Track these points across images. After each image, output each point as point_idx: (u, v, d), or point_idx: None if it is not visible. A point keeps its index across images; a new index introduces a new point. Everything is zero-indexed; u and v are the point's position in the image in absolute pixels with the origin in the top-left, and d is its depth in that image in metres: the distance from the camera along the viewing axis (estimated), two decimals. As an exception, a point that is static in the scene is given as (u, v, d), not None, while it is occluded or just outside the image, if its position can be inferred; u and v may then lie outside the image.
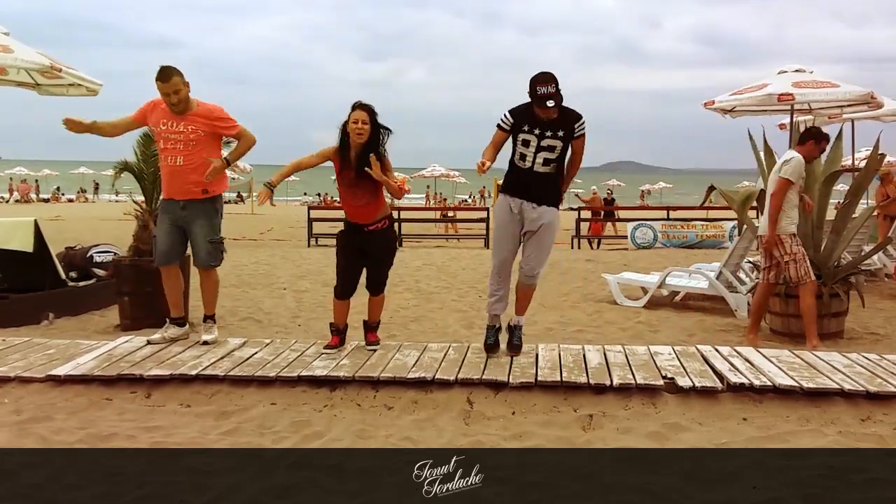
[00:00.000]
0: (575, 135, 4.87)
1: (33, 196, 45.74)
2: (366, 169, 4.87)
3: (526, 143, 4.85)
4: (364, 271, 5.29)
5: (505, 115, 4.90)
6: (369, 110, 4.92)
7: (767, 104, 11.08)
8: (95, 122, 5.35)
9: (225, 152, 5.61)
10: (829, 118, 12.93)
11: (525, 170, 4.90)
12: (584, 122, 4.90)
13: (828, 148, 6.68)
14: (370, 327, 5.42)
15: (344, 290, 5.26)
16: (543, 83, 4.70)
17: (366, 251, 5.17)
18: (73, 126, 5.30)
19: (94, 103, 9.61)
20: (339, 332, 5.32)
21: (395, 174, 5.22)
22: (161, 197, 5.60)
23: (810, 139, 6.30)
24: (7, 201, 42.90)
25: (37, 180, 50.74)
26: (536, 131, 4.81)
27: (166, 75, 5.17)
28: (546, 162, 4.86)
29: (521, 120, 4.85)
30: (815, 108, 12.18)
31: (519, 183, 4.96)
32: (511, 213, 4.98)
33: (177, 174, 5.35)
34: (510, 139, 4.94)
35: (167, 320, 5.61)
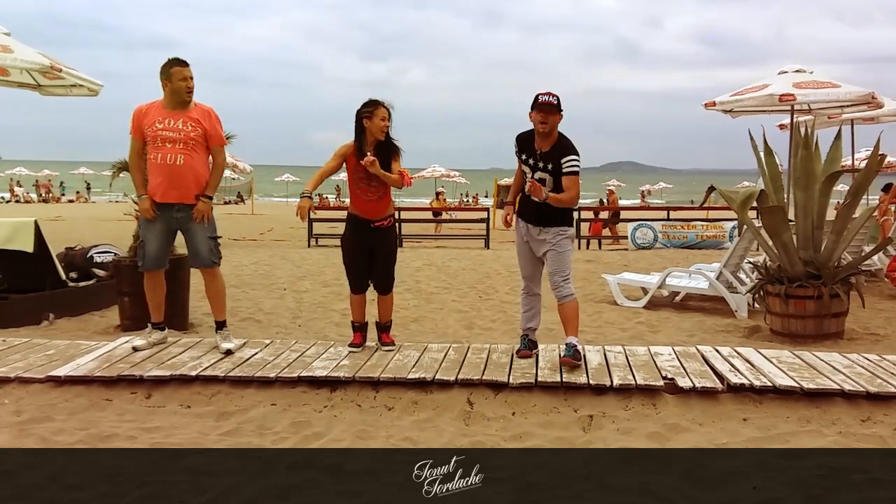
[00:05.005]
0: (563, 171, 4.78)
1: (33, 196, 45.73)
2: (362, 161, 4.97)
3: (524, 173, 5.05)
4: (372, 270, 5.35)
5: (514, 141, 5.05)
6: (389, 112, 5.09)
7: (768, 104, 11.09)
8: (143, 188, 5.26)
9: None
10: (829, 118, 12.95)
11: (525, 196, 5.02)
12: (574, 160, 4.75)
13: None
14: (383, 328, 5.45)
15: (358, 284, 5.32)
16: (545, 93, 4.80)
17: (372, 249, 5.23)
18: (146, 212, 5.20)
19: (96, 103, 9.64)
20: (360, 329, 5.38)
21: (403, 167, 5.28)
22: (149, 199, 5.22)
23: None
24: (7, 201, 42.89)
25: (38, 181, 50.74)
26: (531, 162, 4.94)
27: (185, 62, 5.16)
28: None
29: (522, 147, 4.99)
30: (815, 109, 12.21)
31: (523, 207, 5.11)
32: (521, 236, 5.14)
33: (175, 175, 5.13)
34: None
35: (149, 325, 5.48)
